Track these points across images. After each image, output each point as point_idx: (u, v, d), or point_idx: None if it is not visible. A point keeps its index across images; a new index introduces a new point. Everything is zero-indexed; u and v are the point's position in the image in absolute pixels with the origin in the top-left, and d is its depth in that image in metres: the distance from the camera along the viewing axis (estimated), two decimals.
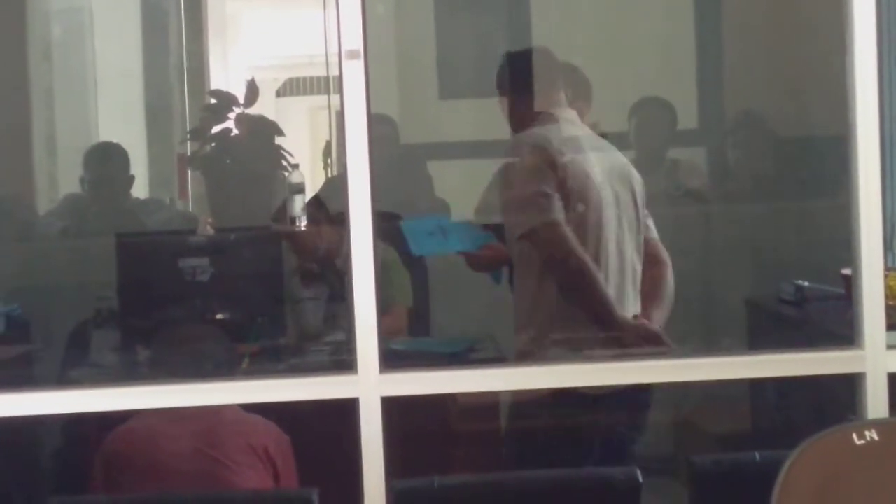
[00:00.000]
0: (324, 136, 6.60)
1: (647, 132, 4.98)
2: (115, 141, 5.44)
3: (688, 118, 5.32)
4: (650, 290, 3.68)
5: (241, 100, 5.41)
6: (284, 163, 5.28)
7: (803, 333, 4.35)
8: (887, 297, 2.97)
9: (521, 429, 3.68)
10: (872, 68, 2.92)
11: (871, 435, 2.68)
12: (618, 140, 4.22)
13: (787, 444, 2.71)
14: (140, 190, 5.47)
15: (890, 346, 2.94)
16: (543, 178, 3.57)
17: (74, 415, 3.01)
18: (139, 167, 5.46)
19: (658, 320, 3.62)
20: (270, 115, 5.67)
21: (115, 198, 5.05)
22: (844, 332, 3.08)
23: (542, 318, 3.61)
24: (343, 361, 3.88)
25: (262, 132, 5.36)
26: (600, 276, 3.58)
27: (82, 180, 5.04)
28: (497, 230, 3.75)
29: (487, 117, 3.91)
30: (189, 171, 5.86)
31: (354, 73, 2.87)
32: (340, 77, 2.88)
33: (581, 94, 3.96)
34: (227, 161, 5.47)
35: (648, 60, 5.19)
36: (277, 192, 4.90)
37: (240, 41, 7.22)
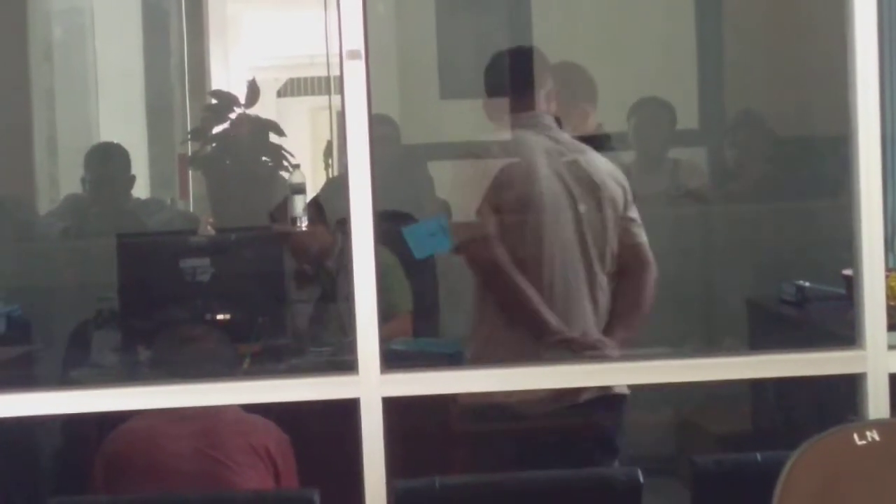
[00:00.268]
0: (325, 137, 6.60)
1: (646, 132, 4.98)
2: (115, 141, 5.45)
3: (688, 118, 5.32)
4: (624, 301, 3.62)
5: (242, 100, 5.42)
6: (285, 163, 5.29)
7: (804, 334, 4.35)
8: (888, 297, 2.97)
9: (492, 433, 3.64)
10: (873, 68, 2.92)
11: (873, 435, 2.68)
12: (618, 140, 4.22)
13: (788, 444, 2.71)
14: (141, 190, 5.47)
15: (891, 347, 2.94)
16: (476, 190, 3.54)
17: (75, 415, 3.01)
18: (140, 167, 5.47)
19: (629, 330, 3.59)
20: (271, 116, 5.67)
21: (116, 198, 5.05)
22: (845, 333, 3.08)
23: (488, 322, 3.62)
24: (333, 363, 3.90)
25: (263, 132, 5.36)
26: (533, 294, 3.52)
27: (83, 180, 5.05)
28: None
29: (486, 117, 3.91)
30: (190, 172, 5.87)
31: (355, 74, 2.87)
32: (341, 77, 2.88)
33: (586, 96, 3.95)
34: (228, 161, 5.47)
35: (649, 61, 5.19)
36: (278, 193, 4.91)
37: (241, 41, 7.23)
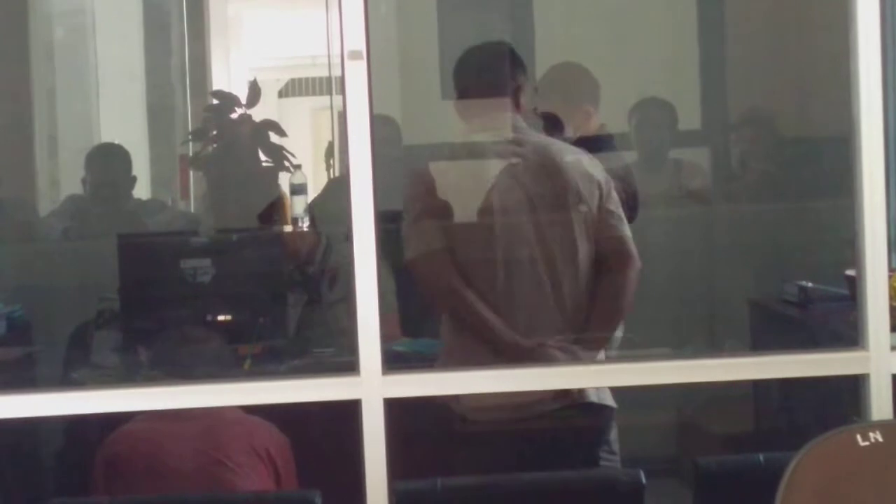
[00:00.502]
0: (326, 137, 6.59)
1: (647, 133, 4.97)
2: (116, 142, 5.45)
3: (690, 119, 5.31)
4: (602, 300, 3.51)
5: (244, 100, 5.41)
6: (286, 163, 5.28)
7: (807, 334, 4.35)
8: (891, 297, 2.97)
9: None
10: (877, 68, 2.92)
11: (876, 436, 2.68)
12: (619, 141, 4.21)
13: (791, 445, 2.71)
14: (142, 191, 5.47)
15: (894, 348, 2.94)
16: (417, 201, 3.48)
17: (75, 416, 3.00)
18: (141, 168, 5.46)
19: (607, 328, 3.51)
20: (272, 116, 5.67)
21: (117, 199, 5.05)
22: (848, 333, 3.07)
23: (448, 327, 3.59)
24: (329, 364, 3.89)
25: (264, 133, 5.36)
26: (480, 308, 3.43)
27: (84, 181, 5.04)
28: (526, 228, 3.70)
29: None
30: (191, 172, 5.86)
31: (357, 74, 2.86)
32: (343, 78, 2.87)
33: (588, 97, 3.94)
34: (229, 162, 5.47)
35: (651, 61, 5.19)
36: (277, 193, 4.91)
37: (242, 42, 7.22)
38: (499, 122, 3.57)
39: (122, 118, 6.17)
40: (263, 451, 3.47)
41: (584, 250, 3.52)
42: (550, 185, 3.52)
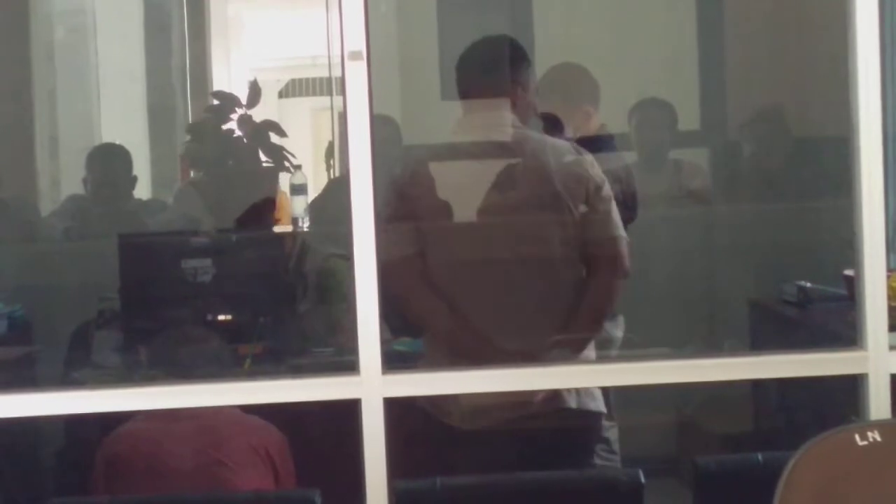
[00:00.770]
0: (326, 138, 6.60)
1: (647, 133, 4.98)
2: (117, 142, 5.46)
3: (690, 119, 5.32)
4: (583, 303, 3.43)
5: (244, 101, 5.42)
6: (286, 164, 5.29)
7: (806, 334, 4.35)
8: (890, 297, 2.97)
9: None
10: (875, 68, 2.92)
11: (874, 436, 2.68)
12: (619, 141, 4.21)
13: (789, 444, 2.71)
14: (142, 191, 5.47)
15: (892, 347, 2.94)
16: (391, 204, 3.41)
17: (76, 416, 3.01)
18: (142, 168, 5.46)
19: (587, 330, 3.44)
20: (273, 117, 5.68)
21: (118, 199, 5.06)
22: (847, 333, 3.08)
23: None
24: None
25: (264, 133, 5.37)
26: (441, 319, 3.39)
27: (85, 181, 5.05)
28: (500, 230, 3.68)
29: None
30: (192, 172, 5.86)
31: (357, 74, 2.87)
32: (343, 78, 2.88)
33: (588, 97, 3.94)
34: (230, 162, 5.48)
35: (650, 61, 5.19)
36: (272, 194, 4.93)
37: (242, 42, 7.23)
38: (490, 121, 3.52)
39: (122, 118, 6.17)
40: (263, 450, 3.47)
41: (564, 252, 3.45)
42: (531, 185, 3.46)
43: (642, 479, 2.99)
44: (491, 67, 3.55)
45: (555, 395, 3.36)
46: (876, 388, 2.92)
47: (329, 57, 5.77)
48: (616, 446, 3.97)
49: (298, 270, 4.31)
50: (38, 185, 5.72)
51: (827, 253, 4.24)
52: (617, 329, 3.84)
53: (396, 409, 2.91)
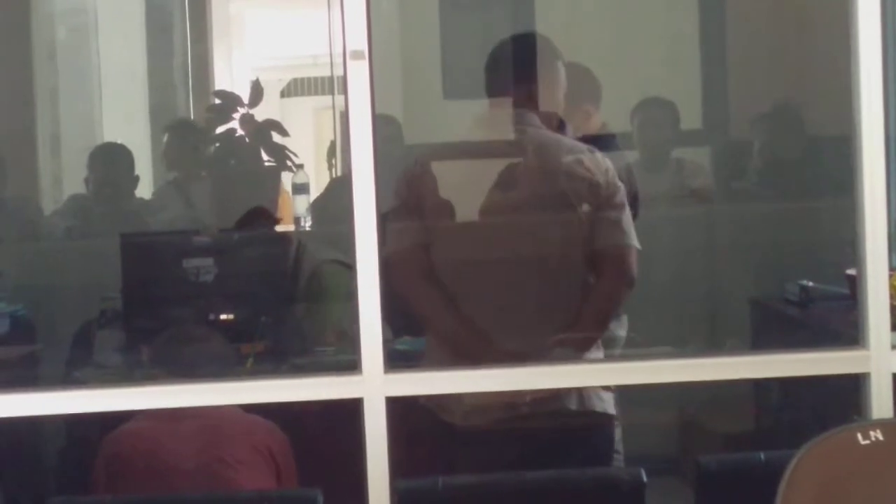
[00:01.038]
0: (328, 137, 6.60)
1: (649, 132, 4.98)
2: (119, 141, 5.46)
3: (692, 118, 5.32)
4: (585, 309, 3.40)
5: (246, 100, 5.43)
6: (289, 163, 5.30)
7: (808, 334, 4.35)
8: (892, 297, 2.97)
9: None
10: (877, 67, 2.92)
11: (876, 435, 2.68)
12: (621, 140, 4.21)
13: (791, 443, 2.71)
14: (144, 190, 5.48)
15: (895, 346, 2.94)
16: (399, 195, 3.41)
17: (77, 415, 3.01)
18: (143, 168, 5.47)
19: (586, 332, 3.40)
20: (275, 116, 5.68)
21: (120, 198, 5.06)
22: (849, 333, 3.08)
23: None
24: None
25: (267, 133, 5.37)
26: (440, 315, 3.37)
27: (87, 180, 5.06)
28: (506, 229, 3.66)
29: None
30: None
31: (359, 74, 2.87)
32: (345, 77, 2.88)
33: (588, 96, 3.93)
34: (232, 161, 5.48)
35: (653, 60, 5.19)
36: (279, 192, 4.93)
37: (244, 42, 7.23)
38: (508, 119, 3.50)
39: (124, 118, 6.18)
40: (265, 449, 3.47)
41: (570, 254, 3.43)
42: (539, 185, 3.44)
43: (644, 478, 2.99)
44: (516, 66, 3.53)
45: (551, 396, 3.33)
46: (878, 388, 2.92)
47: (331, 56, 5.78)
48: (619, 446, 3.97)
49: (293, 274, 4.31)
50: (40, 184, 5.73)
51: (829, 252, 4.24)
52: (620, 328, 3.83)
53: (399, 407, 2.91)
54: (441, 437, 3.39)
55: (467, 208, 3.45)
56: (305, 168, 5.35)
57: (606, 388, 3.42)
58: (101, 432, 3.51)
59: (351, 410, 2.88)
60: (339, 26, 2.88)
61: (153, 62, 6.32)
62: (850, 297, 3.38)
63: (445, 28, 5.46)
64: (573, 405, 3.38)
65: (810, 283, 4.47)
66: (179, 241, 4.39)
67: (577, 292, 3.42)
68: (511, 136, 3.49)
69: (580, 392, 3.37)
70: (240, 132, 5.41)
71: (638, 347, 3.65)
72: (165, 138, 5.57)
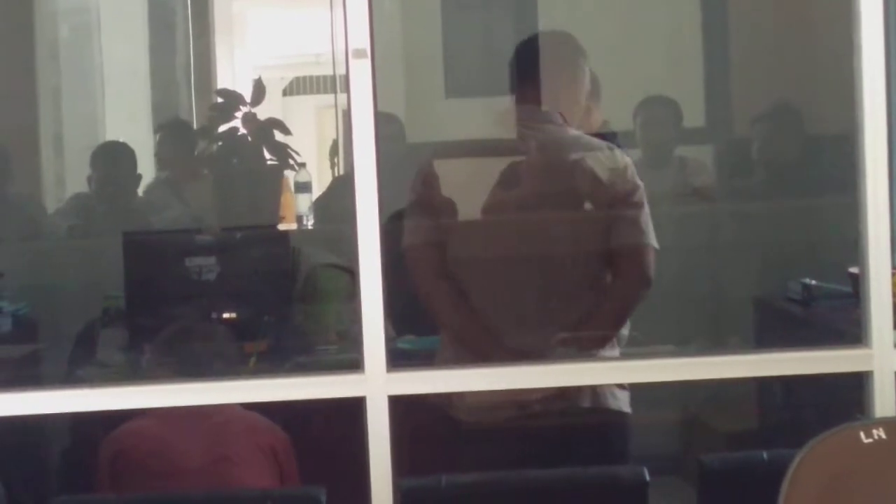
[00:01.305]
0: (330, 135, 6.61)
1: (652, 130, 4.98)
2: (122, 140, 5.46)
3: (695, 116, 5.31)
4: (598, 310, 3.40)
5: (248, 99, 5.42)
6: (291, 162, 5.29)
7: (811, 332, 4.35)
8: (895, 295, 2.97)
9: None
10: (880, 65, 2.92)
11: (879, 433, 2.68)
12: (624, 138, 4.21)
13: (794, 442, 2.71)
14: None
15: None
16: (413, 195, 3.42)
17: (80, 414, 3.01)
18: (146, 166, 5.47)
19: (600, 330, 3.40)
20: (277, 114, 5.68)
21: (122, 197, 5.06)
22: (852, 331, 3.07)
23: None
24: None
25: (269, 131, 5.37)
26: (455, 314, 3.38)
27: (89, 179, 5.05)
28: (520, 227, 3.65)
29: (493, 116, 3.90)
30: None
31: (361, 72, 2.87)
32: (347, 76, 2.88)
33: (588, 92, 3.92)
34: (234, 160, 5.48)
35: (655, 58, 5.19)
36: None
37: (246, 40, 7.23)
38: (529, 116, 3.50)
39: (127, 116, 6.18)
40: (268, 448, 3.47)
41: (585, 253, 3.42)
42: (552, 184, 3.45)
43: (647, 477, 2.99)
44: (541, 64, 3.52)
45: (563, 393, 3.33)
46: (881, 386, 2.92)
47: (333, 55, 5.77)
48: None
49: (289, 279, 4.31)
50: (42, 183, 5.73)
51: (832, 250, 4.23)
52: (623, 327, 3.83)
53: (407, 405, 2.91)
54: (451, 435, 3.39)
55: (478, 206, 3.46)
56: (308, 167, 5.35)
57: (621, 386, 3.41)
58: (105, 431, 3.51)
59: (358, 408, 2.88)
60: (342, 25, 2.88)
61: (156, 61, 6.32)
62: (853, 296, 3.38)
63: (447, 26, 5.46)
64: (586, 403, 3.38)
65: (813, 282, 4.47)
66: (182, 239, 4.39)
67: (592, 290, 3.42)
68: (532, 134, 3.49)
69: (594, 389, 3.36)
70: (242, 131, 5.41)
71: (640, 346, 3.65)
72: (157, 137, 5.59)
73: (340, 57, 2.94)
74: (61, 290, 4.64)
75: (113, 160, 5.13)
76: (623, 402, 3.45)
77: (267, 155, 5.39)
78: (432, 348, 3.95)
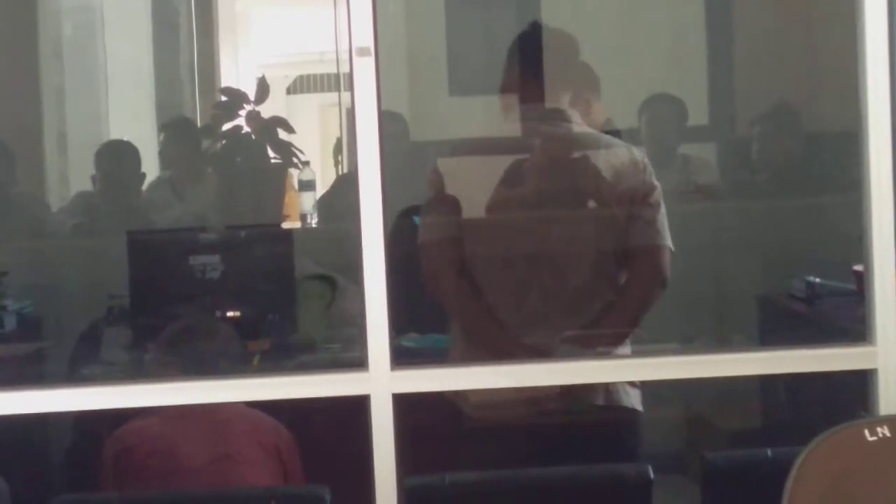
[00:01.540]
0: (334, 134, 6.61)
1: (657, 129, 4.97)
2: (125, 139, 5.46)
3: (699, 114, 5.31)
4: (611, 309, 3.40)
5: (252, 97, 5.43)
6: (295, 160, 5.30)
7: (815, 330, 4.35)
8: None
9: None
10: (884, 63, 2.91)
11: (883, 431, 2.68)
12: (629, 137, 4.21)
13: (798, 440, 2.71)
14: None
15: None
16: (434, 185, 3.43)
17: (84, 412, 3.01)
18: (150, 165, 5.48)
19: (614, 328, 3.40)
20: (281, 113, 5.68)
21: (126, 195, 5.07)
22: (856, 329, 3.07)
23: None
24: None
25: (273, 130, 5.38)
26: (469, 310, 3.39)
27: (93, 178, 5.06)
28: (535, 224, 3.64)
29: (498, 114, 3.90)
30: None
31: (365, 71, 2.87)
32: (351, 74, 2.88)
33: (586, 84, 3.92)
34: (238, 159, 5.49)
35: (659, 56, 5.19)
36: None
37: (250, 39, 7.24)
38: (529, 112, 3.51)
39: (130, 115, 6.19)
40: (272, 446, 3.48)
41: (595, 252, 3.42)
42: (563, 181, 3.45)
43: (651, 475, 2.99)
44: (542, 60, 3.53)
45: (576, 391, 3.33)
46: (885, 384, 2.91)
47: (337, 53, 5.78)
48: None
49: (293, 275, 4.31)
50: (46, 181, 5.73)
51: (836, 248, 4.23)
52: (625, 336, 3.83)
53: (415, 402, 2.91)
54: (463, 433, 3.40)
55: (486, 202, 3.46)
56: (312, 165, 5.35)
57: (633, 383, 3.42)
58: (108, 429, 3.52)
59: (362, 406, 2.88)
60: (346, 23, 2.88)
61: (159, 59, 6.33)
62: (857, 293, 3.38)
63: (451, 25, 5.46)
64: (600, 400, 3.38)
65: (817, 279, 4.47)
66: (186, 238, 4.39)
67: (607, 289, 3.42)
68: (549, 131, 3.49)
69: (606, 387, 3.37)
70: (246, 129, 5.42)
71: (644, 344, 3.65)
72: (161, 136, 5.59)
73: (344, 55, 2.94)
74: (65, 289, 4.65)
75: (117, 159, 5.13)
76: (635, 400, 3.46)
77: (271, 153, 5.40)
78: (435, 346, 3.96)
